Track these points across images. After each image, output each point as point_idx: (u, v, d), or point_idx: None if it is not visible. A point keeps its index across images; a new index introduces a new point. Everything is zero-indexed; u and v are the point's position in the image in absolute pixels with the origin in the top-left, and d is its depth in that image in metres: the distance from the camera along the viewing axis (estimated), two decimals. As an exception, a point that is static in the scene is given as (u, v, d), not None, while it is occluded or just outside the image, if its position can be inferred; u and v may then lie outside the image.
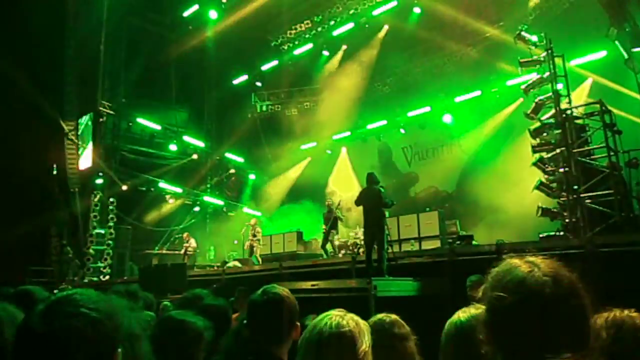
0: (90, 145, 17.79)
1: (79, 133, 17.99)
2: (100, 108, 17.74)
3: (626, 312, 1.59)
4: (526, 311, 1.12)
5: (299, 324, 2.09)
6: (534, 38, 10.01)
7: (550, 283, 1.14)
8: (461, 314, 1.77)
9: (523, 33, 10.07)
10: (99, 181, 17.47)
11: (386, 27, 17.91)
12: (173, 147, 20.12)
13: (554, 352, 1.06)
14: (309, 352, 1.54)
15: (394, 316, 2.10)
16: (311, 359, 1.53)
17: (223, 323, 2.41)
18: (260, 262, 14.16)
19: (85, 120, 18.16)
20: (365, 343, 1.57)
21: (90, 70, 17.51)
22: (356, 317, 1.63)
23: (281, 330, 2.06)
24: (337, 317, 1.59)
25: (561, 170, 8.97)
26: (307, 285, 7.83)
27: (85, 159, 17.88)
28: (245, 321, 2.10)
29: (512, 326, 1.14)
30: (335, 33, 18.40)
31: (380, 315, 2.11)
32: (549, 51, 9.47)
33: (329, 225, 13.22)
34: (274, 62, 20.32)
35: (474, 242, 10.14)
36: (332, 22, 18.21)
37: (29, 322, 1.11)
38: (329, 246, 13.45)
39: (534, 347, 1.08)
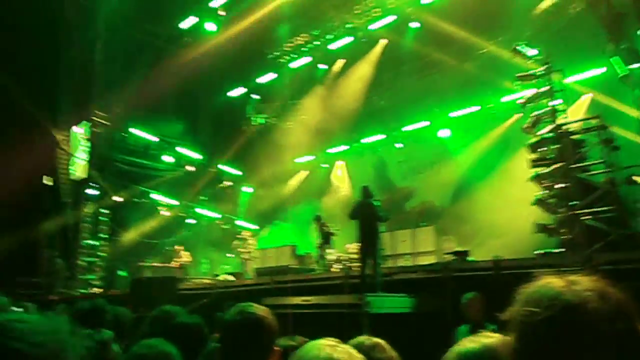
0: (83, 156, 17.61)
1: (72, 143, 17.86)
2: (94, 118, 17.60)
3: None
4: (563, 330, 0.93)
5: (277, 348, 1.87)
6: (532, 52, 9.96)
7: (594, 298, 0.94)
8: (469, 343, 1.49)
9: (520, 47, 10.02)
10: (92, 192, 17.26)
11: (383, 41, 17.90)
12: (168, 159, 19.96)
13: None
14: None
15: (375, 339, 1.91)
16: None
17: (196, 343, 2.21)
18: (253, 276, 13.94)
19: (78, 130, 18.00)
20: None
21: (84, 80, 17.41)
22: (352, 351, 1.38)
23: (258, 355, 1.84)
24: (328, 349, 1.34)
25: (558, 186, 8.85)
26: (298, 300, 7.64)
27: (78, 170, 17.70)
28: (217, 344, 1.89)
29: (546, 349, 0.93)
30: (332, 47, 18.37)
31: (361, 338, 1.91)
32: (547, 65, 9.41)
33: (322, 240, 13.06)
34: (271, 75, 20.27)
35: (469, 258, 9.95)
36: (329, 36, 18.20)
37: None
38: (322, 261, 13.26)
39: None
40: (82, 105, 17.51)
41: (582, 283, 0.99)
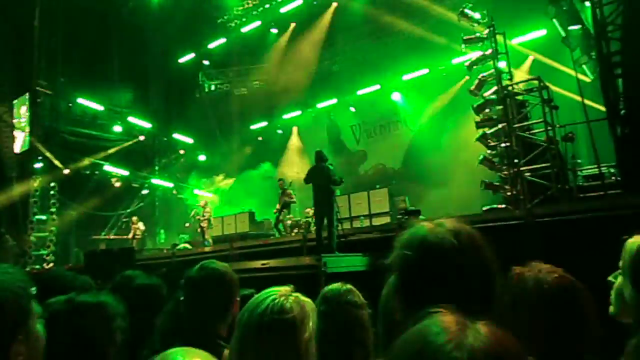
0: (26, 128, 16.88)
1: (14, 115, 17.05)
2: (37, 88, 16.81)
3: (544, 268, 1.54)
4: (427, 265, 1.14)
5: (238, 299, 2.02)
6: (477, 15, 10.21)
7: (450, 237, 1.15)
8: None
9: (466, 10, 10.24)
10: (39, 165, 16.66)
11: (335, 4, 17.79)
12: (117, 129, 19.40)
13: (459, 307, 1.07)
14: (248, 337, 1.42)
15: (349, 285, 2.11)
16: (249, 344, 1.41)
17: (157, 302, 2.34)
18: (212, 244, 14.02)
19: (20, 101, 17.18)
20: (310, 329, 1.46)
21: (24, 49, 16.51)
22: (302, 298, 1.51)
23: (220, 306, 1.98)
24: (280, 298, 1.46)
25: (503, 145, 9.29)
26: (258, 264, 7.82)
27: (22, 142, 16.98)
28: (182, 298, 2.03)
29: (417, 283, 1.15)
30: (283, 10, 18.09)
31: (336, 284, 2.11)
32: (491, 29, 9.70)
33: (281, 205, 13.22)
34: (222, 40, 19.80)
35: (421, 217, 10.37)
36: (279, -1, 17.90)
37: None
38: (281, 226, 13.46)
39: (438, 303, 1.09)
40: (24, 75, 16.66)
41: (445, 225, 1.19)
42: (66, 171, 17.11)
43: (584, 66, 10.70)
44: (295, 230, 13.46)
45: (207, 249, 12.59)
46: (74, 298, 1.73)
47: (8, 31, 16.55)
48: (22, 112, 17.10)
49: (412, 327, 0.76)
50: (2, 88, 16.73)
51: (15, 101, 17.13)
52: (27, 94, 16.84)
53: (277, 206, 13.38)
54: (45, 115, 17.37)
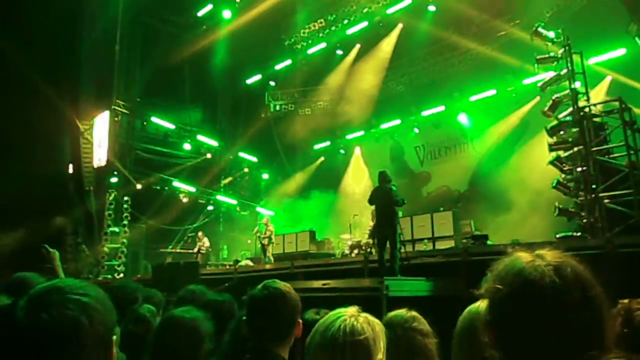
0: (105, 144, 17.93)
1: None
2: (115, 107, 17.88)
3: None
4: (521, 303, 1.01)
5: (300, 321, 2.01)
6: (551, 34, 9.82)
7: (551, 272, 1.01)
8: (482, 303, 1.64)
9: (540, 29, 9.88)
10: (114, 180, 17.60)
11: (400, 25, 17.73)
12: (187, 146, 20.20)
13: (561, 353, 0.95)
14: (320, 359, 1.43)
15: (414, 312, 2.04)
16: None
17: (227, 319, 2.33)
18: (273, 261, 14.13)
19: (100, 119, 18.32)
20: (382, 350, 1.46)
21: (105, 70, 17.66)
22: (371, 319, 1.51)
23: (281, 327, 1.97)
24: (351, 319, 1.47)
25: (579, 169, 8.79)
26: (318, 284, 7.75)
27: (100, 158, 18.04)
28: (244, 317, 2.02)
29: (510, 322, 1.02)
30: (349, 32, 18.27)
31: (400, 310, 2.04)
32: (567, 47, 9.28)
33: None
34: (288, 62, 20.27)
35: (488, 242, 9.96)
36: (345, 21, 18.10)
37: (10, 316, 0.97)
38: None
39: (536, 348, 0.96)
40: (104, 94, 17.80)
41: (546, 258, 1.06)
42: (139, 186, 17.93)
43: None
44: (356, 251, 13.28)
45: (267, 266, 12.70)
46: (173, 314, 1.74)
47: (92, 54, 17.79)
48: (101, 129, 18.21)
49: None
50: (85, 106, 17.95)
51: (95, 119, 18.31)
52: (107, 112, 17.92)
53: (371, 223, 12.90)
54: (122, 133, 18.39)
